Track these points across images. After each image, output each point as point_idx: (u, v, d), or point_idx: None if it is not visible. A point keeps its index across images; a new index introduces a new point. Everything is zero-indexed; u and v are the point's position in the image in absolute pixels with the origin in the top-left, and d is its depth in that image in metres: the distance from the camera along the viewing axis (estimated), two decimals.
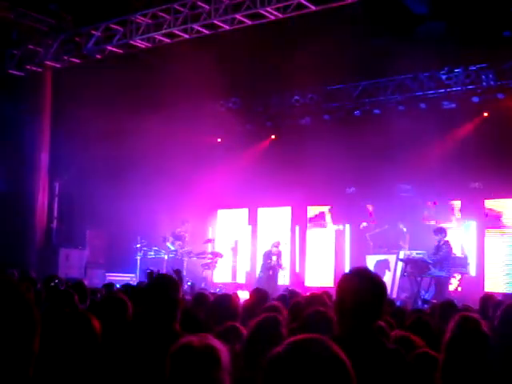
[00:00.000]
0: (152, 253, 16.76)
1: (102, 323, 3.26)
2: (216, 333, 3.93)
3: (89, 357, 3.03)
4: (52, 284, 8.39)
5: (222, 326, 4.11)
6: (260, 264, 16.50)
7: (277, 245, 16.22)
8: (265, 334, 3.64)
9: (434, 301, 10.92)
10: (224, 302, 5.22)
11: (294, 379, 1.57)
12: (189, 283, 14.78)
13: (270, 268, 15.79)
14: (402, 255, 13.93)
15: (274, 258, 16.00)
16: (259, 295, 6.50)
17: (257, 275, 16.57)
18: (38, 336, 1.70)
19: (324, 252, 18.04)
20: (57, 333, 3.06)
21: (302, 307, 6.09)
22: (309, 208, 18.60)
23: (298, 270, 18.07)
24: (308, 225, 18.52)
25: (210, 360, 2.36)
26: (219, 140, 19.23)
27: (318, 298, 6.54)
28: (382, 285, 3.07)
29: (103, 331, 3.21)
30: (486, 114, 15.66)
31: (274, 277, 15.74)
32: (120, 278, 15.87)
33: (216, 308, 5.13)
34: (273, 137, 19.14)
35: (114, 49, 15.30)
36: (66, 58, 15.88)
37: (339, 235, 17.84)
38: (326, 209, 18.33)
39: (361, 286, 2.96)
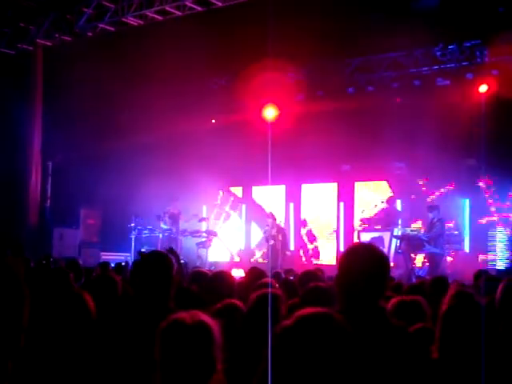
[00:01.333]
0: (146, 232, 16.76)
1: (96, 301, 3.26)
2: (213, 310, 3.94)
3: (84, 334, 3.03)
4: (44, 262, 8.39)
5: (219, 303, 4.10)
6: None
7: (270, 217, 16.35)
8: (264, 309, 3.64)
9: (428, 277, 10.97)
10: (219, 279, 5.22)
11: (304, 352, 1.58)
12: (182, 261, 14.76)
13: (269, 238, 15.88)
14: (396, 232, 13.97)
15: (269, 220, 16.21)
16: (255, 273, 6.50)
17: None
18: (26, 310, 1.70)
19: (321, 229, 18.09)
20: (52, 311, 3.05)
21: (295, 284, 6.11)
22: (303, 186, 18.60)
23: (292, 248, 18.11)
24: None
25: (201, 336, 2.35)
26: (213, 121, 19.09)
27: (312, 274, 6.56)
28: (387, 259, 3.05)
29: (97, 309, 3.21)
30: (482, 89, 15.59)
31: (278, 247, 15.76)
32: (114, 257, 15.88)
33: (211, 285, 5.13)
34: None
35: (105, 26, 15.17)
36: (57, 36, 15.74)
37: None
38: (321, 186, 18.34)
39: (366, 260, 2.92)
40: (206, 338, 2.30)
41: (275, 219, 16.49)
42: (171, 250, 6.49)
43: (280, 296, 3.88)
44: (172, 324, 2.41)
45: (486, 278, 6.13)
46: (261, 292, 3.93)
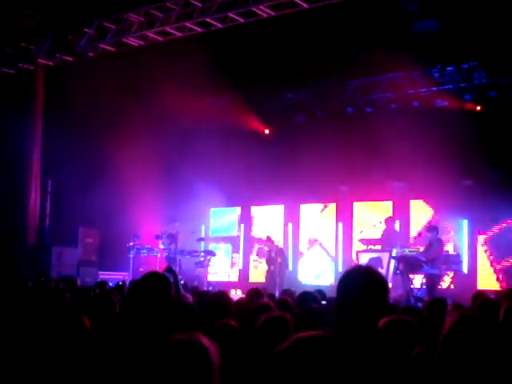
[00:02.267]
0: (144, 251, 16.74)
1: (92, 320, 3.26)
2: (211, 330, 3.94)
3: (80, 355, 3.03)
4: (42, 279, 8.37)
5: (216, 324, 4.11)
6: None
7: (268, 241, 16.41)
8: (273, 334, 3.61)
9: (426, 298, 10.96)
10: (217, 299, 5.22)
11: (299, 375, 1.59)
12: (181, 282, 14.76)
13: (270, 262, 15.98)
14: (394, 253, 13.95)
15: (266, 248, 16.40)
16: (254, 294, 6.51)
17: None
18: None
19: (319, 250, 18.10)
20: (48, 331, 3.06)
21: (290, 304, 6.11)
22: (301, 206, 18.64)
23: (291, 268, 18.08)
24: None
25: (198, 358, 2.34)
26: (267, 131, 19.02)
27: (309, 295, 6.56)
28: (385, 282, 3.05)
29: (94, 328, 3.22)
30: (478, 108, 15.68)
31: (277, 272, 15.78)
32: (113, 277, 15.85)
33: (210, 305, 5.13)
34: (266, 131, 19.07)
35: (106, 47, 15.28)
36: (58, 55, 15.84)
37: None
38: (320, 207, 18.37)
39: (364, 283, 2.92)
40: (203, 360, 2.30)
41: (273, 242, 16.48)
42: (170, 270, 6.51)
43: (289, 321, 3.84)
44: (169, 345, 2.41)
45: (484, 301, 6.12)
46: (269, 316, 3.90)
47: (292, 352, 1.64)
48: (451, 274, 15.08)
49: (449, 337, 3.29)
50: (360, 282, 2.94)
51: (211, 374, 2.30)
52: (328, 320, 4.58)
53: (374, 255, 14.63)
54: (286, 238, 18.57)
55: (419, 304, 10.44)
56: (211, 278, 17.86)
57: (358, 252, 15.66)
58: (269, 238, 16.62)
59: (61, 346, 2.97)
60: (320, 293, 7.44)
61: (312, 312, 4.21)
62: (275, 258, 15.94)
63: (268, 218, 19.19)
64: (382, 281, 3.03)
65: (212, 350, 2.29)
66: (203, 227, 19.84)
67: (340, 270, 17.16)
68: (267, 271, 16.22)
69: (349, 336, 2.80)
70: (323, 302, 6.47)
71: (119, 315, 4.55)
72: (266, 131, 19.03)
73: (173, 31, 14.36)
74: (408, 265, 13.13)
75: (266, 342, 3.68)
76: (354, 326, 2.87)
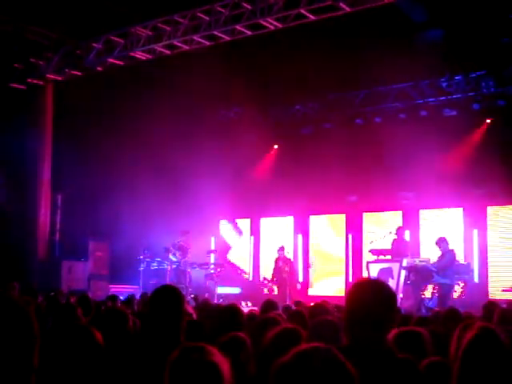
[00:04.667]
0: (155, 264, 16.75)
1: (105, 335, 3.25)
2: (220, 343, 3.93)
3: (92, 370, 3.03)
4: (52, 294, 8.38)
5: (226, 336, 4.09)
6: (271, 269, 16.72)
7: (280, 249, 16.33)
8: (284, 346, 3.60)
9: (438, 309, 10.89)
10: (228, 312, 5.21)
11: None
12: (192, 296, 14.77)
13: (281, 271, 15.87)
14: (405, 263, 13.89)
15: (276, 259, 16.25)
16: (268, 306, 6.50)
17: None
18: (37, 350, 1.70)
19: (329, 261, 18.06)
20: (60, 348, 3.05)
21: (305, 316, 6.08)
22: (311, 217, 18.62)
23: (301, 279, 18.05)
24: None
25: (210, 372, 2.33)
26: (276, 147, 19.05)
27: (321, 307, 6.53)
28: (394, 294, 3.06)
29: (106, 343, 3.21)
30: (488, 121, 15.67)
31: (287, 281, 15.73)
32: (123, 290, 15.85)
33: (220, 318, 5.12)
34: (275, 147, 19.16)
35: (114, 61, 15.35)
36: (67, 70, 15.94)
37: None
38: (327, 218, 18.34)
39: (373, 295, 2.93)
40: (215, 374, 2.30)
41: (283, 251, 16.48)
42: (195, 298, 6.52)
43: (301, 333, 3.83)
44: (181, 358, 2.40)
45: (503, 312, 6.07)
46: (280, 329, 3.89)
47: (291, 365, 1.63)
48: (462, 284, 15.01)
49: (470, 350, 3.25)
50: (368, 295, 2.95)
51: None
52: (339, 331, 4.57)
53: (385, 266, 14.57)
54: (296, 249, 18.55)
55: (430, 314, 10.37)
56: (221, 290, 17.84)
57: (368, 262, 15.59)
58: (282, 248, 16.57)
59: (72, 362, 2.96)
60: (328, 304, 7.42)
61: (323, 324, 4.19)
62: (282, 267, 15.89)
63: (277, 230, 19.17)
64: (390, 293, 3.03)
65: (224, 367, 2.28)
66: (213, 239, 19.84)
67: (350, 280, 17.13)
68: (277, 280, 16.10)
69: (358, 347, 2.79)
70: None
71: (131, 330, 4.54)
72: (275, 146, 19.09)
73: (180, 44, 14.42)
74: (419, 275, 13.08)
75: (277, 354, 3.66)
76: (362, 338, 2.88)
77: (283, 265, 15.95)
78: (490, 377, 3.13)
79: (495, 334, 3.31)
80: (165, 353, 2.42)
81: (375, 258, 15.36)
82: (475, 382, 3.15)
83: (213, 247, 19.33)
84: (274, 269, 16.30)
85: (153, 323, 3.68)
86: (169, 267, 16.40)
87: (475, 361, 3.17)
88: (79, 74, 15.95)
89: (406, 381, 2.81)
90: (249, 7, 12.98)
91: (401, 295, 13.99)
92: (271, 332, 3.77)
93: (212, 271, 16.91)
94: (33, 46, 16.06)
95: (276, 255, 16.47)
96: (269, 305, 6.48)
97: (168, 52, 14.75)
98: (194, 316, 6.52)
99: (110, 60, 15.33)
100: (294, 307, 8.23)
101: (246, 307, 13.37)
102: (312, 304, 7.10)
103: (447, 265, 12.95)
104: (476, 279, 15.23)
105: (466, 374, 3.19)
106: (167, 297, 3.74)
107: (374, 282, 3.08)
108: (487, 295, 14.70)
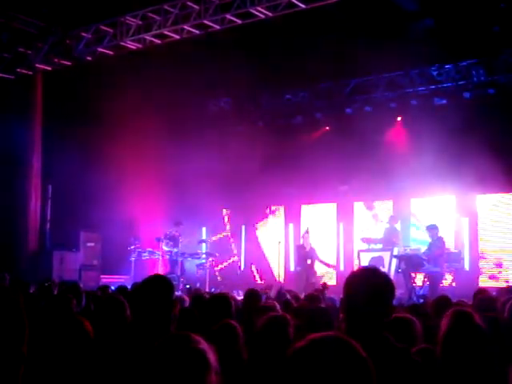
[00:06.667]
0: (146, 254, 16.73)
1: (100, 325, 3.25)
2: (211, 331, 3.94)
3: (83, 360, 3.03)
4: (46, 284, 8.36)
5: (217, 325, 4.10)
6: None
7: (305, 233, 15.93)
8: (273, 333, 3.64)
9: (429, 296, 10.95)
10: (219, 301, 5.22)
11: (317, 375, 1.59)
12: (187, 286, 14.81)
13: (306, 257, 15.33)
14: (396, 252, 13.95)
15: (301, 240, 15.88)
16: (252, 295, 6.52)
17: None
18: (26, 339, 1.70)
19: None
20: (52, 337, 3.05)
21: (293, 305, 6.11)
22: (302, 207, 18.65)
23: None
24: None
25: (195, 360, 2.32)
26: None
27: (313, 296, 6.56)
28: (392, 283, 3.08)
29: (101, 333, 3.21)
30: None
31: (311, 269, 15.32)
32: (115, 280, 15.83)
33: (211, 307, 5.13)
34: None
35: (104, 50, 15.27)
36: (56, 60, 15.85)
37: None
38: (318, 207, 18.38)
39: (370, 284, 2.95)
40: (200, 361, 2.29)
41: (308, 237, 15.82)
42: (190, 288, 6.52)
43: (289, 320, 3.86)
44: (165, 346, 2.38)
45: (485, 297, 6.12)
46: (270, 316, 3.91)
47: (309, 352, 1.64)
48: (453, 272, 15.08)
49: (448, 335, 3.30)
50: (367, 283, 2.97)
51: (208, 376, 2.28)
52: (332, 319, 4.60)
53: (376, 254, 14.63)
54: (287, 239, 18.59)
55: (421, 301, 10.42)
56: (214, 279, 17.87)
57: (359, 251, 15.64)
58: (307, 231, 15.98)
59: (62, 352, 2.96)
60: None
61: (315, 312, 4.22)
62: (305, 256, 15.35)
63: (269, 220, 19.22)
64: (388, 281, 3.05)
65: (210, 355, 2.27)
66: (204, 229, 19.88)
67: (341, 269, 17.19)
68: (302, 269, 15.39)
69: (355, 336, 2.81)
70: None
71: (126, 318, 4.53)
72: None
73: (170, 34, 14.36)
74: (410, 263, 13.13)
75: (266, 341, 3.69)
76: (360, 326, 2.90)
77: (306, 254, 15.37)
78: (469, 358, 3.19)
79: (471, 318, 3.37)
80: (153, 342, 2.42)
81: (366, 246, 15.43)
82: (455, 363, 3.20)
83: (204, 237, 19.34)
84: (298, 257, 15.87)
85: (142, 313, 3.68)
86: (160, 258, 16.40)
87: (453, 343, 3.23)
88: (68, 63, 15.86)
89: (402, 369, 2.83)
90: None
91: None
92: (261, 319, 3.80)
93: (203, 261, 16.92)
94: (21, 36, 15.95)
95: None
96: (251, 295, 6.50)
97: (158, 41, 14.70)
98: (187, 304, 6.54)
99: (100, 49, 15.25)
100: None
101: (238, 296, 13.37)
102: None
103: (438, 253, 13.01)
104: (467, 267, 15.31)
105: (446, 357, 3.24)
106: (157, 286, 3.74)
107: (372, 271, 3.09)
108: (477, 283, 14.79)
